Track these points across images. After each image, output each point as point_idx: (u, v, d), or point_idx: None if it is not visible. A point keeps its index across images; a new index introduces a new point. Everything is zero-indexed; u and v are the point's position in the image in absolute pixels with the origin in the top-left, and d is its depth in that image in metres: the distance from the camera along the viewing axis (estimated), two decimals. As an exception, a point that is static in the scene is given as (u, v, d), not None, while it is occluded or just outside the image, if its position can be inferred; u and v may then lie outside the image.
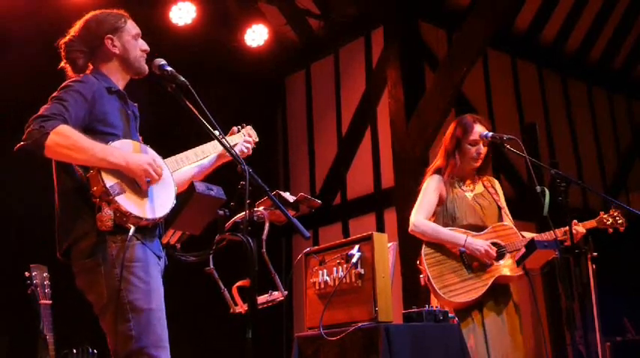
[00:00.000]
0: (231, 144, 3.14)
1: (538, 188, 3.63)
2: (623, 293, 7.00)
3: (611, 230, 3.91)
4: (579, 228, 3.85)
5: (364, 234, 3.39)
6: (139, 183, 2.68)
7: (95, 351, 4.41)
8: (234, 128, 3.37)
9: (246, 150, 3.29)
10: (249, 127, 3.41)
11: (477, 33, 6.47)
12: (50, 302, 4.09)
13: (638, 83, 10.06)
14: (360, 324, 3.20)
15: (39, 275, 4.10)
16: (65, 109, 2.63)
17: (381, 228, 7.30)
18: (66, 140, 2.56)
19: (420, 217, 3.98)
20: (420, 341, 3.23)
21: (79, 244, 2.67)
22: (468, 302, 3.80)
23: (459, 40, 6.80)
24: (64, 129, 2.57)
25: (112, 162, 2.63)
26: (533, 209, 4.00)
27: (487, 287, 3.82)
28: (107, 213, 2.58)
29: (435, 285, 3.83)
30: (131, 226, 2.61)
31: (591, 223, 3.88)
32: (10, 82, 5.65)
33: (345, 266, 3.37)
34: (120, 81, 2.96)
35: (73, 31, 2.96)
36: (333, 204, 7.97)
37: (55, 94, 2.71)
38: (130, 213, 2.60)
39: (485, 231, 3.95)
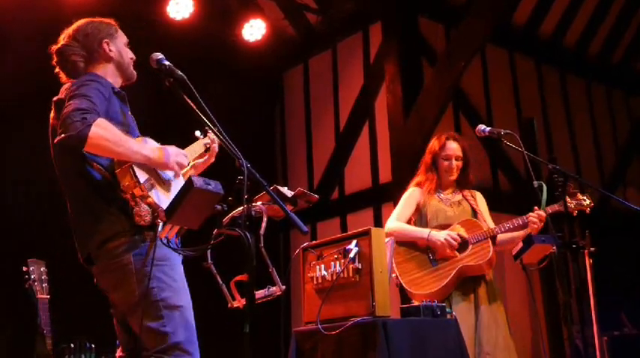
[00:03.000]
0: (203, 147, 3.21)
1: (535, 183, 3.65)
2: (621, 288, 7.02)
3: (575, 212, 3.93)
4: (540, 213, 3.91)
5: (362, 228, 3.40)
6: (165, 181, 2.75)
7: (92, 345, 4.41)
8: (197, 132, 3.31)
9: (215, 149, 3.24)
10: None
11: (476, 28, 6.46)
12: (48, 296, 4.10)
13: (637, 78, 10.06)
14: (357, 319, 3.20)
15: (37, 270, 4.10)
16: (94, 104, 2.64)
17: (378, 223, 7.30)
18: (107, 132, 2.58)
19: (394, 221, 4.22)
20: (417, 335, 3.23)
21: (107, 244, 2.68)
22: (433, 294, 3.86)
23: (458, 35, 6.79)
24: (104, 122, 2.60)
25: (147, 156, 2.67)
26: (531, 204, 4.01)
27: (449, 277, 3.94)
28: (144, 207, 2.62)
29: (402, 280, 4.04)
30: (160, 222, 2.65)
31: (553, 207, 3.91)
32: (8, 79, 5.64)
33: (342, 261, 3.37)
34: (115, 84, 2.98)
35: (66, 37, 2.98)
36: (331, 199, 7.97)
37: (76, 91, 2.69)
38: (162, 209, 2.64)
39: (452, 226, 4.10)
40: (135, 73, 3.08)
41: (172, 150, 2.80)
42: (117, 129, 2.63)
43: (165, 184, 2.77)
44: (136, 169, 2.64)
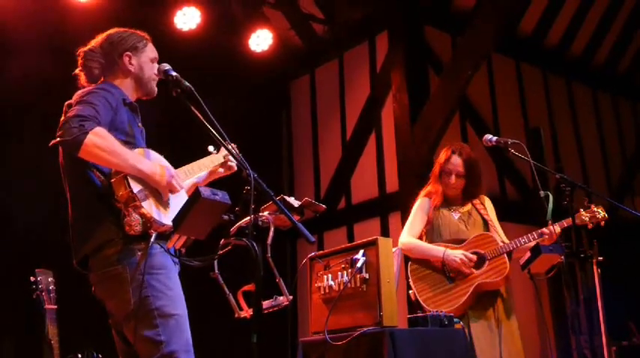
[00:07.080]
0: (218, 161, 3.22)
1: (542, 193, 3.64)
2: (629, 297, 6.98)
3: (590, 225, 3.91)
4: (556, 228, 3.88)
5: (369, 238, 3.39)
6: (161, 193, 2.76)
7: (100, 356, 4.41)
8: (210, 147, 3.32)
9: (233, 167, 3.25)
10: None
11: (482, 37, 6.47)
12: (56, 307, 4.10)
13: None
14: (364, 329, 3.20)
15: (44, 280, 4.11)
16: (97, 113, 2.66)
17: (385, 233, 7.29)
18: (103, 142, 2.59)
19: (407, 236, 4.18)
20: (425, 346, 3.22)
21: (102, 251, 2.69)
22: (450, 312, 3.78)
23: (464, 44, 6.80)
24: (102, 131, 2.61)
25: (141, 170, 2.69)
26: (538, 213, 3.99)
27: (467, 295, 3.91)
28: (135, 217, 2.63)
29: (419, 298, 4.02)
30: (153, 232, 2.66)
31: (568, 221, 3.89)
32: (12, 85, 5.65)
33: (349, 270, 3.36)
34: (130, 97, 3.00)
35: (95, 42, 3.02)
36: (338, 209, 7.96)
37: (83, 98, 2.73)
38: (155, 219, 2.66)
39: (466, 242, 4.06)
40: (155, 89, 3.07)
41: (170, 172, 2.80)
42: (114, 140, 2.65)
43: (162, 197, 2.77)
44: (130, 180, 2.65)
